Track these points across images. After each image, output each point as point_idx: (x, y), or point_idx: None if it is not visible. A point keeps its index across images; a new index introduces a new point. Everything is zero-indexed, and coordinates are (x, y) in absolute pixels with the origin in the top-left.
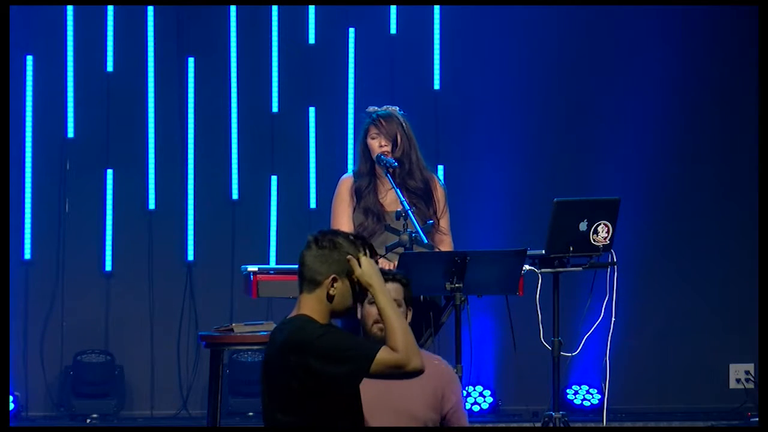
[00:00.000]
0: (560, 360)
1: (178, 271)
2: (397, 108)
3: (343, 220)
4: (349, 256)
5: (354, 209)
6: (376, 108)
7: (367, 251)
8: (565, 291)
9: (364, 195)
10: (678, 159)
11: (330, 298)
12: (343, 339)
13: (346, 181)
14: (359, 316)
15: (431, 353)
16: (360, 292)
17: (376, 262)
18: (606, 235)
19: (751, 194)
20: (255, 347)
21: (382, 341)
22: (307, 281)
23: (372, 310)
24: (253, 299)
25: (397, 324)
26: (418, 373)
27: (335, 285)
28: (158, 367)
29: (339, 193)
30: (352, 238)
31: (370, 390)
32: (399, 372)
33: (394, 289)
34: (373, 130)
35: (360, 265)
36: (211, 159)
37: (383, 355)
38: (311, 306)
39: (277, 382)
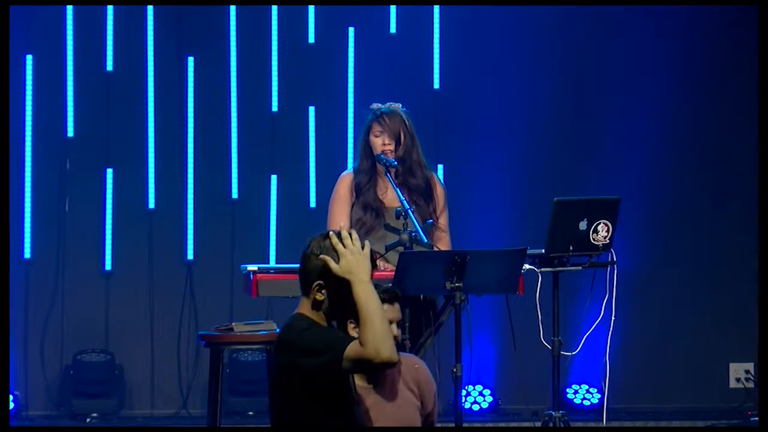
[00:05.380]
0: (560, 359)
1: (178, 270)
2: (401, 105)
3: (340, 219)
4: (321, 256)
5: (353, 206)
6: (379, 105)
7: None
8: (565, 290)
9: (363, 191)
10: (678, 158)
11: (317, 303)
12: (322, 333)
13: (346, 178)
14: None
15: (411, 355)
16: (346, 302)
17: (374, 260)
18: (606, 234)
19: (751, 194)
20: (255, 346)
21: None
22: (300, 283)
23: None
24: (253, 298)
25: (369, 318)
26: (390, 365)
27: (322, 291)
28: (158, 366)
29: (337, 192)
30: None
31: (364, 404)
32: (371, 366)
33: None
34: (377, 128)
35: (337, 261)
36: (211, 158)
37: (351, 348)
38: (306, 307)
39: (273, 380)
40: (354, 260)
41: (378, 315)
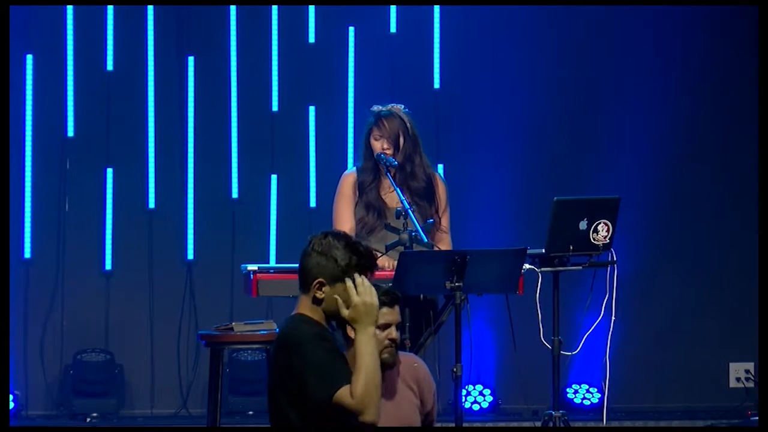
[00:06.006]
0: (560, 359)
1: (178, 270)
2: (402, 106)
3: (345, 217)
4: (335, 296)
5: (356, 204)
6: (380, 107)
7: (365, 267)
8: (565, 290)
9: (366, 190)
10: (678, 158)
11: (317, 301)
12: (327, 355)
13: (349, 177)
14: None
15: (411, 354)
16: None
17: (375, 259)
18: (606, 234)
19: (751, 193)
20: (255, 346)
21: (390, 363)
22: (300, 282)
23: (380, 336)
24: (253, 298)
25: (364, 372)
26: (370, 426)
27: (323, 289)
28: (158, 365)
29: (341, 190)
30: (349, 254)
31: None
32: (354, 418)
33: (380, 314)
34: (376, 132)
35: (347, 305)
36: (211, 158)
37: (341, 393)
38: (306, 306)
39: (271, 381)
40: (363, 311)
41: (372, 368)
